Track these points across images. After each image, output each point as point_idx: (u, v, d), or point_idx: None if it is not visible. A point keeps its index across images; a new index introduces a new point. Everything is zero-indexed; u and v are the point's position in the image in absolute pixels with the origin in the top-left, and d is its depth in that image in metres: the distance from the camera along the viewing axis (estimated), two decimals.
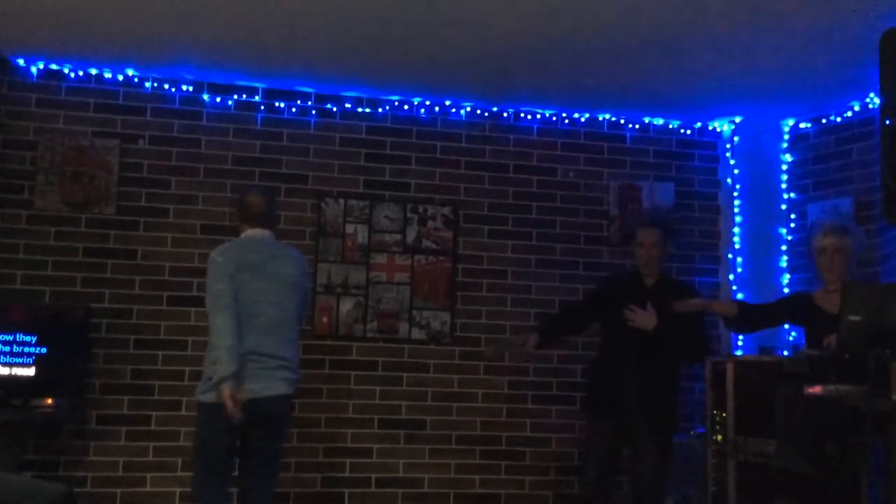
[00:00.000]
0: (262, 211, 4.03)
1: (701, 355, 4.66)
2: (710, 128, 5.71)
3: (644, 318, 4.38)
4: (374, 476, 5.11)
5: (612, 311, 4.51)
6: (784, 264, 5.41)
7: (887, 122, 3.64)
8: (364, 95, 5.32)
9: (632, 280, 4.66)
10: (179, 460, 4.88)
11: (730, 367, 4.64)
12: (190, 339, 4.90)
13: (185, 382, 4.89)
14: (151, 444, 4.89)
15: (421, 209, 5.33)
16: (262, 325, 3.81)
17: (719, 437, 4.65)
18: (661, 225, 4.70)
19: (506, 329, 5.29)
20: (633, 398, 4.37)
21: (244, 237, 4.02)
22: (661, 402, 4.45)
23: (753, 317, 4.50)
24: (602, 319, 4.69)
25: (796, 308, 4.34)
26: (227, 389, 3.64)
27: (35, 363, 4.54)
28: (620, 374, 4.42)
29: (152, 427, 4.90)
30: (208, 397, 3.75)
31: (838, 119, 5.24)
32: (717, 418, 4.67)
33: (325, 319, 5.15)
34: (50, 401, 4.53)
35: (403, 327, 5.23)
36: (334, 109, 5.31)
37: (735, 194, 5.59)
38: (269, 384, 3.81)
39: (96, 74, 5.05)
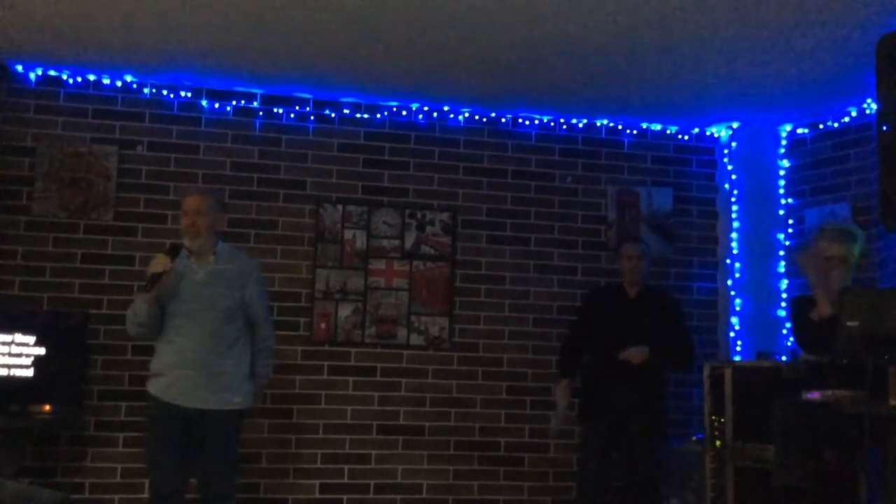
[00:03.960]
0: None
1: (688, 365, 4.89)
2: (708, 133, 5.71)
3: (637, 353, 4.53)
4: (372, 482, 5.10)
5: (601, 323, 4.72)
6: (782, 269, 5.40)
7: (884, 127, 3.66)
8: (362, 101, 5.33)
9: (616, 292, 4.85)
10: None
11: (728, 373, 4.66)
12: None
13: None
14: None
15: (419, 215, 5.33)
16: None
17: (718, 443, 4.65)
18: (642, 240, 5.09)
19: (504, 334, 5.29)
20: (627, 401, 4.50)
21: None
22: (654, 405, 4.62)
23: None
24: (593, 332, 4.79)
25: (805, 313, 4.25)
26: None
27: (33, 369, 4.52)
28: (614, 380, 4.57)
29: None
30: (252, 401, 3.95)
31: (835, 124, 5.25)
32: (716, 424, 4.68)
33: (323, 325, 5.14)
34: (48, 407, 4.52)
35: (402, 333, 5.23)
36: (332, 115, 5.32)
37: (733, 200, 5.59)
38: None
39: (95, 81, 5.05)
